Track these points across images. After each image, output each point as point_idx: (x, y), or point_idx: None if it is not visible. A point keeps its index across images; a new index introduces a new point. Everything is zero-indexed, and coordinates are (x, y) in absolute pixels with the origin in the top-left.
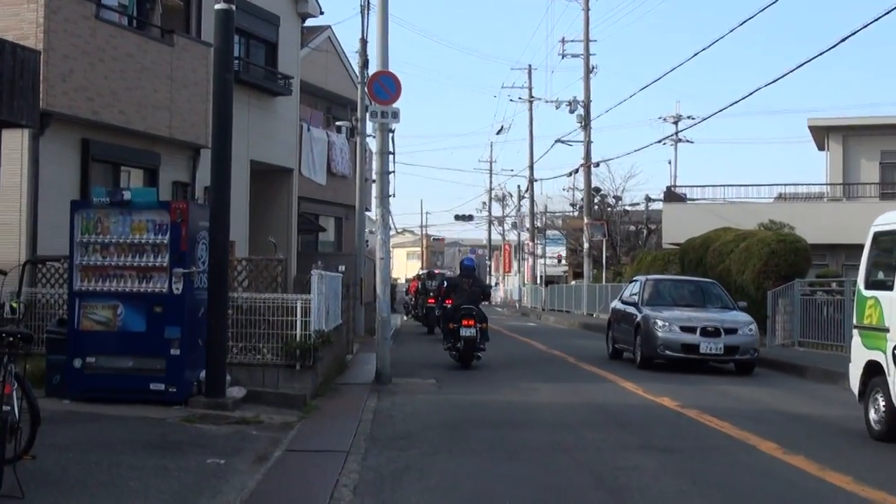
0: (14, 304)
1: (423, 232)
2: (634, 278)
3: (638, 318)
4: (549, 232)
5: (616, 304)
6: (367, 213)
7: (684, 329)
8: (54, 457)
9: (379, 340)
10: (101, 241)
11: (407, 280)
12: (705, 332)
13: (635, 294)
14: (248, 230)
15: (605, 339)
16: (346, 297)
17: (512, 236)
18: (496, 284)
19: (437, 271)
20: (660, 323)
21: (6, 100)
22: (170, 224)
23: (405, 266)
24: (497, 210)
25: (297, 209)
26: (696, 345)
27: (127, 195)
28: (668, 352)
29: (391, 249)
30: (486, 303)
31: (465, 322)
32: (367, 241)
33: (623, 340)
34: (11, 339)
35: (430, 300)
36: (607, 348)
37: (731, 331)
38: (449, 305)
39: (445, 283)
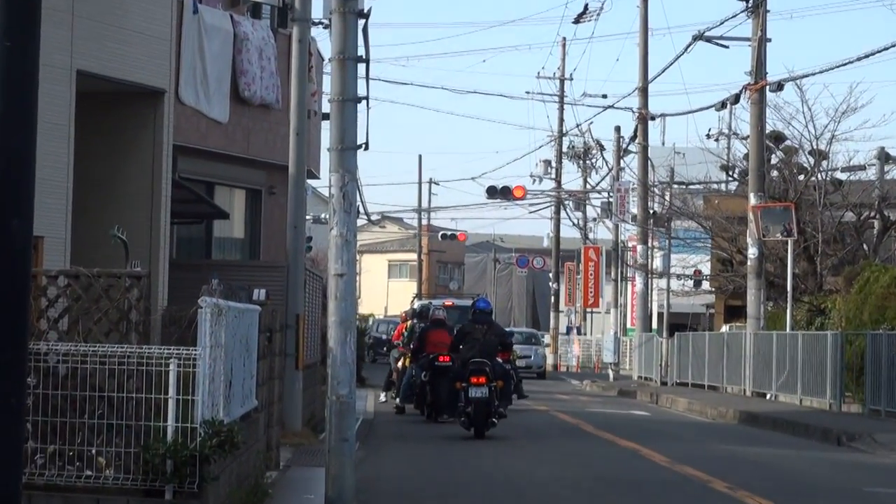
0: None
1: (423, 221)
2: None
3: None
4: (678, 224)
5: None
6: (313, 182)
7: None
8: None
9: (331, 443)
10: None
11: (388, 322)
12: None
13: None
14: (70, 215)
15: (793, 444)
16: (266, 354)
17: (603, 234)
18: (569, 331)
19: (447, 303)
20: None
21: None
22: None
23: (385, 290)
24: (572, 178)
25: (171, 172)
26: None
27: None
28: None
29: (358, 256)
30: (509, 359)
31: (474, 379)
32: (309, 239)
33: None
34: None
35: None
36: None
37: None
38: (444, 364)
39: (454, 332)
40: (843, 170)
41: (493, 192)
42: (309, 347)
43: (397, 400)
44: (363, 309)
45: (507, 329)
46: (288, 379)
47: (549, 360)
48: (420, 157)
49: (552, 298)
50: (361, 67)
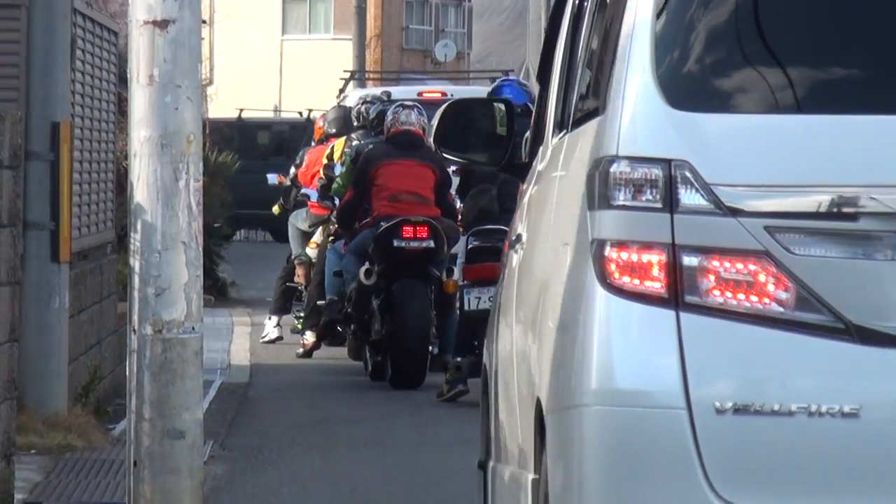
0: None
1: None
2: None
3: None
4: None
5: None
6: None
7: None
8: None
9: (143, 446)
10: None
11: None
12: None
13: None
14: None
15: None
16: None
17: None
18: None
19: (426, 94)
20: None
21: None
22: None
23: (277, 63)
24: None
25: None
26: None
27: None
28: None
29: None
30: None
31: (478, 270)
32: None
33: None
34: None
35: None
36: None
37: None
38: (416, 243)
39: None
40: None
41: None
42: (86, 207)
43: (306, 334)
44: (223, 108)
45: None
46: (34, 288)
47: None
48: None
49: None
50: None
